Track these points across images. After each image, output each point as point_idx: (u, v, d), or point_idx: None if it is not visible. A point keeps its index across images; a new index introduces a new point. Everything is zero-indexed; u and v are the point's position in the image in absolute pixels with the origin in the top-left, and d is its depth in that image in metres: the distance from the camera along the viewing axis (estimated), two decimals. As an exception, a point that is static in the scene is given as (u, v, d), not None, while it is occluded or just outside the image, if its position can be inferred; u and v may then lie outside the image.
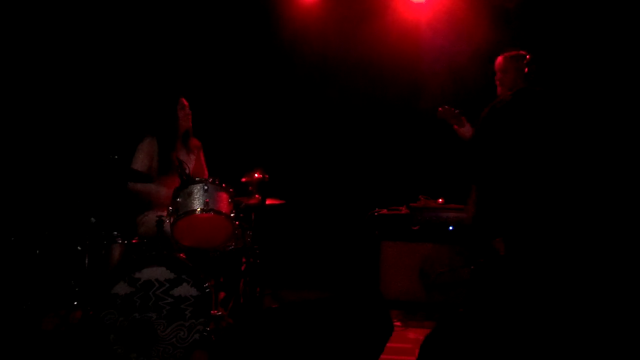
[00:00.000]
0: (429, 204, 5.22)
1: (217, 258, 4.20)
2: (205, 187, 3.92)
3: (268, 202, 4.50)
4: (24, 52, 5.51)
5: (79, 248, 3.97)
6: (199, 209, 3.88)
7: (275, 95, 6.09)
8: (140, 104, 5.37)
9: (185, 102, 4.55)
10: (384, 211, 5.28)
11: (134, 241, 3.99)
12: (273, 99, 6.08)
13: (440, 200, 5.26)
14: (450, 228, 5.05)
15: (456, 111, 4.19)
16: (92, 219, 3.97)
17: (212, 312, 3.73)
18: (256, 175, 4.60)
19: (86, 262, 3.95)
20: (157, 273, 3.59)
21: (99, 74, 5.75)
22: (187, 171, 4.14)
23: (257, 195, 4.55)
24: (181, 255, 3.78)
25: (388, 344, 3.27)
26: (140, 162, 4.38)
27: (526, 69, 4.07)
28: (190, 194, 3.94)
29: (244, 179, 4.68)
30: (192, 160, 4.57)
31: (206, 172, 4.71)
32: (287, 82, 6.09)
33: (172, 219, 3.89)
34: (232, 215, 3.98)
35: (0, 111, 5.33)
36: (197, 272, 3.65)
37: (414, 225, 5.11)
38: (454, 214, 5.07)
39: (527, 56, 4.12)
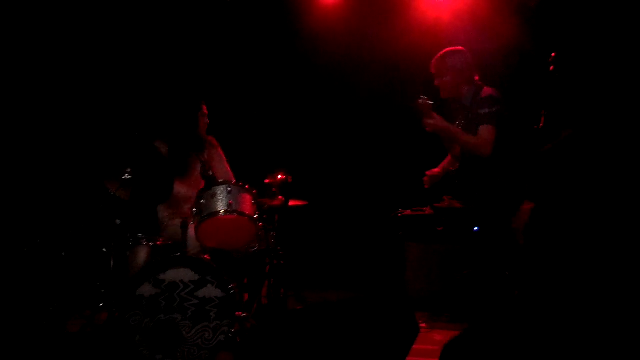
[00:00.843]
0: (453, 204, 5.16)
1: (241, 259, 4.21)
2: (229, 189, 3.93)
3: (291, 203, 4.49)
4: (54, 61, 5.55)
5: (104, 250, 4.00)
6: (222, 211, 3.88)
7: (297, 96, 6.09)
8: (160, 108, 5.40)
9: (206, 111, 4.55)
10: (408, 212, 5.23)
11: (158, 243, 4.01)
12: (295, 100, 6.08)
13: (464, 200, 5.21)
14: (476, 229, 4.99)
15: (431, 103, 4.02)
16: (117, 221, 4.00)
17: (236, 313, 3.72)
18: (279, 176, 4.59)
19: (111, 263, 3.97)
20: (182, 274, 3.60)
21: (125, 80, 5.78)
22: (210, 173, 4.15)
23: (280, 197, 4.54)
24: (205, 256, 3.79)
25: (414, 346, 3.24)
26: None
27: (466, 70, 4.01)
28: (213, 196, 3.95)
29: (267, 180, 4.67)
30: (200, 167, 4.56)
31: (228, 167, 4.69)
32: (309, 82, 6.09)
33: (196, 221, 3.91)
34: (255, 216, 3.98)
35: (26, 115, 5.38)
36: (221, 273, 3.66)
37: (439, 226, 5.06)
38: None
39: (464, 51, 4.05)
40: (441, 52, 4.08)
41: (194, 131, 4.47)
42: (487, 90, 3.98)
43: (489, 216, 4.01)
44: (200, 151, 4.50)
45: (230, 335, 3.63)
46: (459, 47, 4.08)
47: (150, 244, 3.99)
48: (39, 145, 5.38)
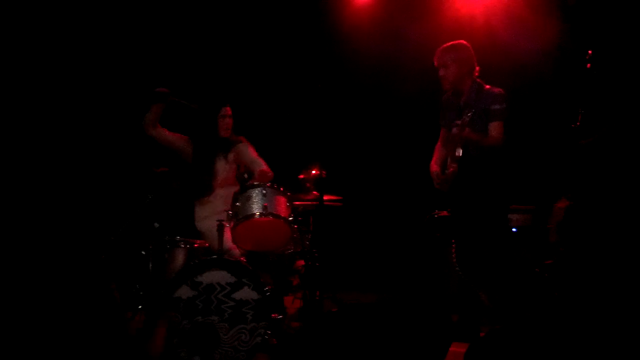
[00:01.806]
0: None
1: (277, 261, 4.23)
2: (264, 192, 3.96)
3: (325, 198, 4.48)
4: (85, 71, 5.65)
5: (143, 253, 4.06)
6: (257, 213, 3.91)
7: (332, 93, 6.08)
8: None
9: (228, 112, 4.53)
10: (444, 213, 5.18)
11: (195, 245, 4.06)
12: (330, 97, 6.07)
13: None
14: (514, 230, 4.93)
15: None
16: (156, 224, 4.06)
17: (272, 315, 3.74)
18: (313, 171, 4.60)
19: (150, 266, 4.03)
20: (219, 277, 3.64)
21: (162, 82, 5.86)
22: (245, 176, 4.18)
23: (314, 192, 4.54)
24: (241, 258, 3.82)
25: (451, 349, 3.21)
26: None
27: (468, 61, 4.03)
28: (249, 199, 3.98)
29: (301, 176, 4.68)
30: (227, 169, 4.54)
31: (263, 163, 4.54)
32: (343, 79, 6.10)
33: (232, 223, 3.94)
34: (290, 219, 3.99)
35: (64, 121, 5.47)
36: (257, 275, 3.68)
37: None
38: (517, 215, 4.94)
39: (466, 45, 4.06)
40: (445, 45, 4.11)
41: (214, 133, 4.51)
42: (492, 88, 4.03)
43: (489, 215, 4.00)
44: (225, 151, 4.54)
45: (266, 337, 3.64)
46: (462, 41, 4.10)
47: (188, 246, 4.04)
48: (79, 151, 5.48)
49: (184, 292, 3.62)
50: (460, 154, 3.98)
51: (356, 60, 6.05)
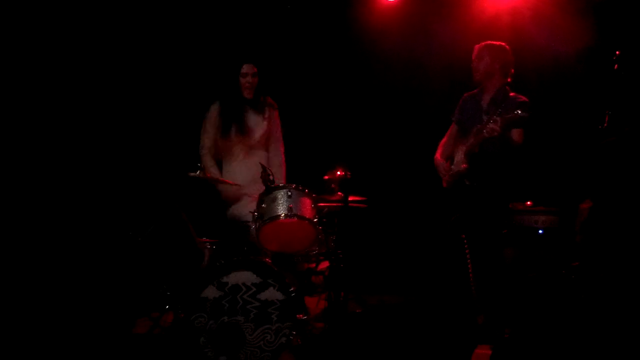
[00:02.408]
0: (517, 206, 5.06)
1: (301, 262, 4.26)
2: (289, 193, 4.00)
3: (350, 199, 4.49)
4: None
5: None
6: (283, 215, 3.95)
7: (357, 93, 6.09)
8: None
9: (249, 70, 4.59)
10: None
11: (221, 246, 4.10)
12: (355, 97, 6.09)
13: (528, 202, 5.10)
14: (540, 232, 4.89)
15: None
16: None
17: (298, 316, 3.77)
18: (338, 172, 4.62)
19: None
20: (244, 277, 3.68)
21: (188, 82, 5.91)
22: (271, 177, 4.21)
23: (339, 193, 4.56)
24: (267, 259, 3.85)
25: (475, 351, 3.21)
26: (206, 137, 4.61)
27: (504, 60, 4.16)
28: (274, 200, 4.02)
29: (326, 177, 4.70)
30: (264, 126, 4.64)
31: (280, 136, 4.75)
32: (369, 79, 6.10)
33: (257, 225, 3.98)
34: (315, 220, 4.02)
35: (87, 116, 5.51)
36: (282, 276, 3.71)
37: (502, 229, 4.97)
38: (544, 217, 4.90)
39: (507, 48, 4.19)
40: (488, 42, 4.28)
41: (237, 92, 4.58)
42: (518, 95, 4.15)
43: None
44: (258, 110, 4.63)
45: (291, 337, 3.67)
46: (503, 43, 4.26)
47: (214, 247, 4.09)
48: (102, 147, 5.52)
49: (211, 292, 3.66)
50: (476, 150, 4.06)
51: (383, 61, 6.05)
